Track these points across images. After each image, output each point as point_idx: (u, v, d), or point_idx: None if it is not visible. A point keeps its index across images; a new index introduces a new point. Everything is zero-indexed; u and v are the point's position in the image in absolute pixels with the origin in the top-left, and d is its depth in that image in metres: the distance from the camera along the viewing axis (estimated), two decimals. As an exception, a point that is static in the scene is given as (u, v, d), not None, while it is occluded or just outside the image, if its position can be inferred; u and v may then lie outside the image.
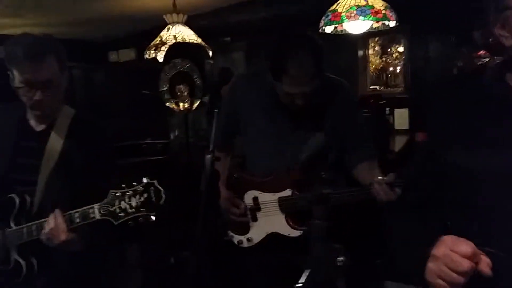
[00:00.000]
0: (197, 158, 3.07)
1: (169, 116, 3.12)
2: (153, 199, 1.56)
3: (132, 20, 5.15)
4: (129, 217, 1.58)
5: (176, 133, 3.09)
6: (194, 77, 2.86)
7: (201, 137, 3.01)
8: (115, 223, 1.60)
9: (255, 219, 2.15)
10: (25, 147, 1.88)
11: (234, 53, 4.77)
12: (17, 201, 1.82)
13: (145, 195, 1.57)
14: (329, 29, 3.34)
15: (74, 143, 1.88)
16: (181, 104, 2.95)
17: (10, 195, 1.83)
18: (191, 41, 4.29)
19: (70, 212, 1.70)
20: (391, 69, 4.17)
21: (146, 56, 4.51)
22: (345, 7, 3.21)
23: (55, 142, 1.87)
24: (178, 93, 2.94)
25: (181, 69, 2.89)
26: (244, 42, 4.29)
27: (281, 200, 2.09)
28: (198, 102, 2.92)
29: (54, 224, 1.68)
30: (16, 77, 1.75)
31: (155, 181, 1.58)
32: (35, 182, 1.84)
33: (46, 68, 1.74)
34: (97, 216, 1.64)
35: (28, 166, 1.86)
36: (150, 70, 4.53)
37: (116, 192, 1.61)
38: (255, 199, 2.14)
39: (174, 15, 4.31)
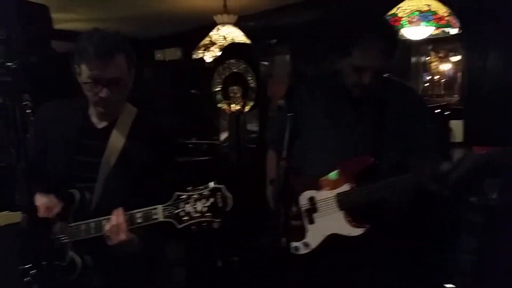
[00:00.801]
0: (247, 160, 3.02)
1: (220, 117, 3.07)
2: (220, 205, 1.50)
3: (179, 19, 5.15)
4: (194, 221, 1.53)
5: (226, 135, 3.03)
6: (249, 78, 2.79)
7: (251, 140, 2.95)
8: (178, 226, 1.55)
9: (311, 221, 2.05)
10: (86, 144, 1.87)
11: (279, 55, 4.69)
12: (77, 197, 1.80)
13: (212, 200, 1.52)
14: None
15: (135, 141, 1.86)
16: (232, 106, 2.89)
17: (71, 190, 1.82)
18: (241, 41, 4.28)
19: (132, 211, 1.66)
20: (446, 78, 4.01)
21: (194, 56, 4.53)
22: (406, 12, 3.11)
23: (117, 140, 1.86)
24: (231, 94, 2.89)
25: (236, 70, 2.83)
26: (289, 45, 4.18)
27: (339, 196, 1.99)
28: (251, 104, 2.86)
29: (116, 222, 1.65)
30: (84, 72, 1.74)
31: (222, 187, 1.52)
32: (95, 179, 1.83)
33: (115, 65, 1.73)
34: (160, 218, 1.59)
35: (88, 163, 1.85)
36: (197, 70, 4.53)
37: (181, 195, 1.57)
38: (311, 199, 2.05)
39: (225, 16, 4.28)
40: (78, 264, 1.77)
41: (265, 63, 2.81)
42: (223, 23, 4.29)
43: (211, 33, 4.44)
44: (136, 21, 5.29)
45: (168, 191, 1.68)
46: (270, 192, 2.16)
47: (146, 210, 1.63)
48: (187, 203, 1.54)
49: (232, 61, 2.85)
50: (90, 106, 1.89)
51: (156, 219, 1.60)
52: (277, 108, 2.32)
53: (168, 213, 1.58)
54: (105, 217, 1.70)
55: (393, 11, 3.17)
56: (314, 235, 2.04)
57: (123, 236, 1.64)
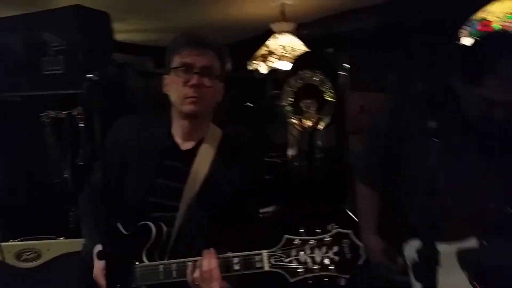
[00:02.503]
0: (319, 182, 2.71)
1: (288, 133, 2.78)
2: (348, 256, 1.20)
3: (232, 28, 4.91)
4: (311, 275, 1.23)
5: (293, 152, 2.74)
6: (325, 91, 2.50)
7: (325, 160, 2.64)
8: (290, 280, 1.25)
9: (420, 278, 1.71)
10: (168, 167, 1.63)
11: (336, 65, 4.36)
12: (153, 230, 1.54)
13: (336, 248, 1.22)
14: (468, 41, 2.90)
15: (223, 165, 1.61)
16: (304, 121, 2.60)
17: (145, 222, 1.56)
18: (300, 51, 3.99)
19: (228, 255, 1.38)
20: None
21: (249, 66, 4.26)
22: (497, 14, 2.78)
23: (202, 163, 1.62)
24: (304, 109, 2.60)
25: (310, 82, 2.54)
26: (348, 54, 3.84)
27: (462, 253, 1.66)
28: (327, 120, 2.55)
29: (207, 267, 1.37)
30: (176, 63, 1.59)
31: (350, 232, 1.22)
32: (175, 208, 1.57)
33: (208, 55, 1.58)
34: (266, 267, 1.30)
35: (169, 188, 1.60)
36: (249, 81, 4.26)
37: (293, 239, 1.27)
38: (422, 251, 1.72)
39: (283, 24, 4.06)
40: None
41: (344, 73, 2.50)
42: (281, 32, 4.09)
43: (268, 42, 4.22)
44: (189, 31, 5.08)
45: (260, 223, 1.43)
46: (368, 238, 1.84)
47: (247, 255, 1.35)
48: (302, 250, 1.25)
49: (305, 71, 2.56)
50: (174, 123, 1.67)
51: (261, 268, 1.31)
52: (368, 131, 1.99)
53: (276, 261, 1.29)
54: (192, 258, 1.43)
55: (480, 15, 2.85)
56: None
57: (216, 286, 1.36)
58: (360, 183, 1.92)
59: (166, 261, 1.49)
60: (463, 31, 2.92)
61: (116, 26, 2.78)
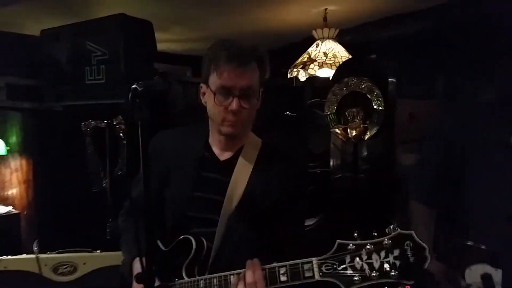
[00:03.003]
0: (364, 196, 2.56)
1: (330, 143, 2.64)
2: (411, 259, 1.06)
3: (273, 35, 4.87)
4: (369, 283, 1.09)
5: (337, 163, 2.60)
6: (373, 99, 2.36)
7: (372, 171, 2.49)
8: (345, 289, 1.12)
9: None
10: (206, 179, 1.54)
11: (384, 71, 4.21)
12: (194, 244, 1.45)
13: (396, 252, 1.07)
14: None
15: (263, 175, 1.50)
16: (349, 131, 2.47)
17: (186, 236, 1.47)
18: (342, 58, 3.88)
19: (274, 265, 1.26)
20: None
21: (289, 74, 4.18)
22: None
23: (242, 175, 1.52)
24: (349, 118, 2.47)
25: (356, 89, 2.42)
26: (396, 60, 3.66)
27: None
28: (374, 130, 2.41)
29: (252, 279, 1.25)
30: (213, 83, 1.45)
31: (412, 232, 1.08)
32: (215, 222, 1.48)
33: (248, 74, 1.44)
34: (317, 276, 1.17)
35: (208, 201, 1.51)
36: (289, 89, 4.16)
37: (347, 244, 1.14)
38: (487, 277, 1.55)
39: (325, 30, 4.01)
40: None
41: (394, 79, 2.36)
42: (323, 38, 4.04)
43: (309, 50, 4.13)
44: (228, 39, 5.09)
45: (306, 236, 1.31)
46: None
47: (294, 264, 1.22)
48: (357, 256, 1.11)
49: (351, 78, 2.44)
50: (211, 134, 1.58)
51: (311, 277, 1.18)
52: (425, 144, 1.82)
53: (328, 269, 1.15)
54: (234, 271, 1.32)
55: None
56: None
57: None
58: (415, 201, 1.77)
59: (207, 276, 1.39)
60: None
61: (158, 35, 2.79)
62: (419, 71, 3.90)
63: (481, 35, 2.93)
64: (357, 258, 1.11)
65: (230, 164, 1.54)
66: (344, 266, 1.13)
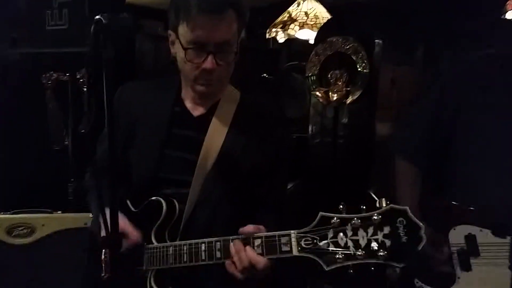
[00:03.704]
0: (345, 164, 2.45)
1: (311, 107, 2.50)
2: (403, 239, 0.94)
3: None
4: (352, 262, 0.97)
5: (317, 128, 2.46)
6: (358, 61, 2.21)
7: (352, 137, 2.37)
8: (326, 268, 1.00)
9: (466, 267, 1.48)
10: (178, 136, 1.39)
11: (371, 32, 4.02)
12: (164, 207, 1.31)
13: (386, 229, 0.96)
14: None
15: (242, 134, 1.36)
16: (331, 94, 2.33)
17: (156, 198, 1.33)
18: (324, 19, 3.69)
19: (246, 236, 1.13)
20: None
21: (267, 35, 3.96)
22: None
23: (217, 132, 1.37)
24: (332, 80, 2.32)
25: (341, 50, 2.26)
26: (381, 22, 3.49)
27: None
28: (357, 94, 2.27)
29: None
30: (184, 35, 1.27)
31: (406, 208, 0.96)
32: (188, 183, 1.34)
33: (225, 25, 1.26)
34: (295, 251, 1.05)
35: (180, 161, 1.37)
36: (266, 51, 3.96)
37: (330, 217, 1.01)
38: (470, 238, 1.48)
39: (306, -12, 3.77)
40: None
41: (380, 41, 2.21)
42: None
43: (290, 9, 3.90)
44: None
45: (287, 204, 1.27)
46: None
47: (271, 236, 1.09)
48: (341, 231, 0.99)
49: (336, 38, 2.27)
50: (184, 87, 1.42)
51: (288, 252, 1.06)
52: (415, 106, 1.73)
53: (308, 244, 1.03)
54: (206, 239, 1.21)
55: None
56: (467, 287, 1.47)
57: (260, 265, 1.11)
58: (403, 160, 1.67)
59: (176, 242, 1.27)
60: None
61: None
62: (400, 36, 3.78)
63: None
64: (341, 234, 0.99)
65: (205, 120, 1.39)
66: (326, 241, 1.01)
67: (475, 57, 1.64)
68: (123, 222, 1.26)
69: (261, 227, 1.16)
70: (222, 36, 1.25)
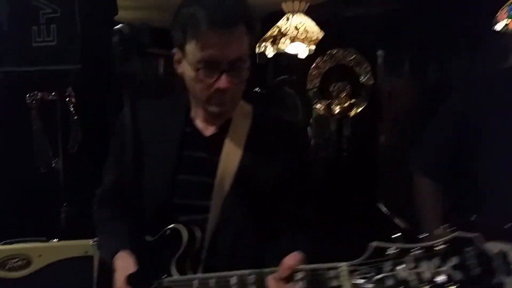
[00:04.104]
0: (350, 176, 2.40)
1: (313, 119, 2.45)
2: (475, 271, 0.87)
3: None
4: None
5: (320, 142, 2.40)
6: (361, 73, 2.17)
7: (356, 151, 2.32)
8: (385, 305, 0.92)
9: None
10: (190, 159, 1.30)
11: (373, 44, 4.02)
12: (185, 236, 1.21)
13: (455, 260, 0.88)
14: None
15: (259, 149, 1.28)
16: (333, 107, 2.28)
17: (174, 226, 1.24)
18: (314, 33, 3.68)
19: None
20: None
21: (257, 49, 3.92)
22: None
23: (232, 151, 1.29)
24: (333, 93, 2.27)
25: (342, 63, 2.21)
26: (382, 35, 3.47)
27: None
28: (362, 106, 2.23)
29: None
30: (192, 54, 1.18)
31: (476, 235, 0.89)
32: (205, 208, 1.25)
33: (237, 40, 1.18)
34: (347, 287, 0.97)
35: (195, 185, 1.28)
36: (254, 66, 3.91)
37: (385, 247, 0.94)
38: (502, 255, 1.42)
39: (296, 3, 3.71)
40: None
41: (382, 52, 2.18)
42: (293, 12, 3.73)
43: (279, 23, 3.88)
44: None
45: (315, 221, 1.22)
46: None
47: (315, 269, 1.01)
48: (401, 263, 0.92)
49: (337, 50, 2.23)
50: (193, 107, 1.33)
51: (339, 287, 0.98)
52: (435, 120, 1.69)
53: (363, 278, 0.95)
54: (237, 271, 1.10)
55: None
56: None
57: None
58: (424, 177, 1.62)
59: (202, 275, 1.17)
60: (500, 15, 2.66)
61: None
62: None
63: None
64: (402, 266, 0.92)
65: (218, 139, 1.30)
66: (383, 275, 0.93)
67: (493, 70, 1.63)
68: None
69: (299, 255, 1.07)
70: (235, 53, 1.18)
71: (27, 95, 2.58)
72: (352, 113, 2.26)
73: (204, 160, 1.29)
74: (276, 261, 1.07)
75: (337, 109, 2.29)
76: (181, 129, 1.32)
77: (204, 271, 1.21)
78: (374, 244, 0.95)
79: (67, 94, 2.60)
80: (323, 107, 2.35)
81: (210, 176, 1.26)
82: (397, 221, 2.18)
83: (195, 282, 1.14)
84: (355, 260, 0.97)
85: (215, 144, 1.29)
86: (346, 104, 2.25)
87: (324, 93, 2.35)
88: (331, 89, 2.31)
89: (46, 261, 1.80)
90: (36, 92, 2.62)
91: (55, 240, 1.92)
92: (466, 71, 2.01)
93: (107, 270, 1.47)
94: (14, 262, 1.78)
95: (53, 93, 2.57)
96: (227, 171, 1.26)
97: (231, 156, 1.28)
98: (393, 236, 0.94)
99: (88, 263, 1.79)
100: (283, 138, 1.30)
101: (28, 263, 1.79)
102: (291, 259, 1.05)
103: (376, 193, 2.31)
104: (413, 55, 3.19)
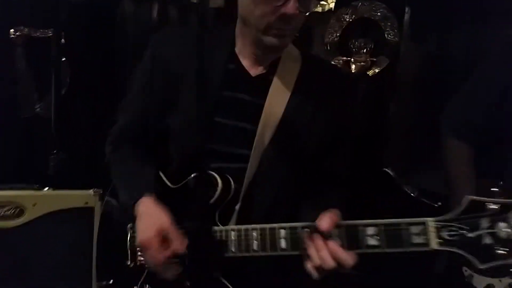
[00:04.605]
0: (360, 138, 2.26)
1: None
2: None
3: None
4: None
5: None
6: (387, 29, 2.02)
7: (371, 113, 2.19)
8: (479, 266, 0.80)
9: None
10: (232, 100, 1.15)
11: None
12: (220, 185, 1.08)
13: None
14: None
15: (307, 97, 1.16)
16: (353, 65, 2.13)
17: (210, 172, 1.10)
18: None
19: (358, 222, 0.91)
20: None
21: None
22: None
23: (279, 95, 1.15)
24: (354, 49, 2.11)
25: (367, 16, 2.06)
26: None
27: None
28: (383, 65, 2.09)
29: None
30: None
31: None
32: (242, 157, 1.13)
33: None
34: (433, 244, 0.84)
35: (234, 131, 1.15)
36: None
37: (483, 201, 0.81)
38: None
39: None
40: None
41: (409, 9, 2.03)
42: None
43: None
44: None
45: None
46: None
47: (395, 224, 0.88)
48: (502, 220, 0.80)
49: (362, 3, 2.06)
50: (240, 40, 1.17)
51: (423, 245, 0.85)
52: (470, 81, 1.59)
53: (452, 236, 0.83)
54: (302, 223, 0.98)
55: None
56: None
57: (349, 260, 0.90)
58: (457, 140, 1.53)
59: (241, 226, 1.03)
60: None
61: None
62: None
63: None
64: (502, 223, 0.80)
65: (265, 81, 1.16)
66: (478, 233, 0.81)
67: None
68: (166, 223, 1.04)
69: (336, 213, 0.95)
70: None
71: (11, 30, 2.35)
72: (371, 72, 2.12)
73: (246, 103, 1.14)
74: (310, 218, 0.97)
75: (356, 67, 2.14)
76: (223, 64, 1.15)
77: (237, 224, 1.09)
78: (469, 197, 0.82)
79: (56, 32, 2.37)
80: (341, 64, 2.19)
81: (251, 121, 1.12)
82: (406, 187, 2.09)
83: (232, 234, 1.04)
84: (443, 216, 0.84)
85: (261, 86, 1.14)
86: (367, 62, 2.10)
87: (343, 49, 2.19)
88: (351, 44, 2.15)
89: (41, 211, 1.60)
90: (21, 27, 2.38)
91: (47, 188, 1.72)
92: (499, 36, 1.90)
93: (110, 223, 1.33)
94: (5, 211, 1.58)
95: (41, 30, 2.34)
96: (272, 117, 1.13)
97: (277, 100, 1.14)
98: (492, 189, 0.81)
99: (88, 215, 1.62)
100: (333, 87, 1.18)
101: (21, 212, 1.59)
102: (328, 219, 0.94)
103: (384, 157, 2.20)
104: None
